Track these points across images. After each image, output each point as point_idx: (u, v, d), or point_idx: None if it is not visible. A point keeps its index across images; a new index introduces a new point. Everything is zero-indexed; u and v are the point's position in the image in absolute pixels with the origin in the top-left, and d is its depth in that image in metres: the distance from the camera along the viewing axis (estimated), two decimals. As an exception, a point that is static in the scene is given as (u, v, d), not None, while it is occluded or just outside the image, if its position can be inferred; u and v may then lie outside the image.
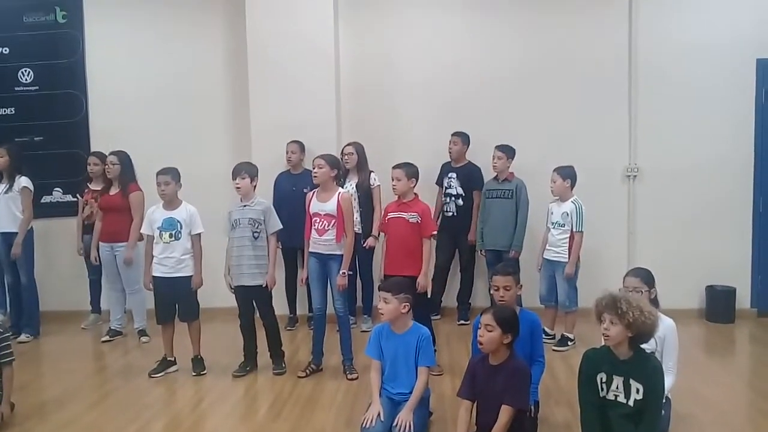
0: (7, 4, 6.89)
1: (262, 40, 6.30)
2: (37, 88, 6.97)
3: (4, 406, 4.11)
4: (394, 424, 3.62)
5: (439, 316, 6.45)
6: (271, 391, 4.72)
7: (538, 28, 6.49)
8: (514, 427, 3.32)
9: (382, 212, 5.30)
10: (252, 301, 5.06)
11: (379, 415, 3.68)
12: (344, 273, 4.84)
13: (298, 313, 6.43)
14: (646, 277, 3.80)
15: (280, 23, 6.27)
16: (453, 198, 6.27)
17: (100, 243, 6.05)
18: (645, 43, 6.37)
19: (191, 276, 5.06)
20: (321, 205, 4.87)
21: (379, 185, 6.08)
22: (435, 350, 4.10)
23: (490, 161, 6.01)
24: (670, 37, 6.36)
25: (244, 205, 4.95)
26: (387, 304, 3.80)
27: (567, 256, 5.44)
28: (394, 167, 4.94)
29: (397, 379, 3.86)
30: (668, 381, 3.42)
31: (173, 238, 5.00)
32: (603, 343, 3.21)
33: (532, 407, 3.68)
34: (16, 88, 6.97)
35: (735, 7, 6.29)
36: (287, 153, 6.18)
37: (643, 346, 3.12)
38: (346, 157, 6.05)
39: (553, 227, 5.56)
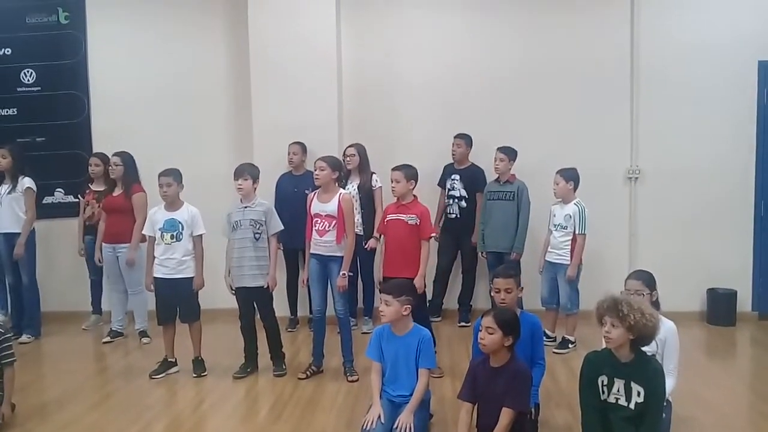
0: (9, 5, 6.90)
1: (264, 41, 6.31)
2: (39, 88, 6.98)
3: (5, 407, 4.11)
4: (395, 426, 3.61)
5: (440, 318, 6.45)
6: (272, 393, 4.72)
7: (539, 28, 6.49)
8: (515, 430, 3.32)
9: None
10: (253, 302, 5.06)
11: (379, 417, 3.67)
12: (344, 274, 4.84)
13: (298, 314, 6.43)
14: (647, 280, 3.79)
15: (282, 24, 6.28)
16: (456, 200, 6.27)
17: (103, 244, 6.06)
18: (646, 44, 6.37)
19: (192, 277, 5.06)
20: (322, 205, 4.87)
21: (380, 186, 6.08)
22: (435, 352, 4.09)
23: (491, 163, 6.01)
24: (672, 39, 6.35)
25: (245, 207, 4.95)
26: (388, 307, 3.80)
27: (569, 258, 5.44)
28: (394, 169, 4.94)
29: (397, 381, 3.86)
30: (669, 384, 3.41)
31: (174, 239, 5.01)
32: (604, 346, 3.21)
33: (533, 410, 3.69)
34: (19, 89, 6.98)
35: (736, 8, 6.29)
36: (289, 154, 6.18)
37: (643, 348, 3.12)
38: (347, 158, 6.06)
39: (555, 229, 5.55)
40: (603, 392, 3.13)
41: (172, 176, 5.01)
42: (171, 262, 5.01)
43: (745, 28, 6.26)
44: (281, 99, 6.29)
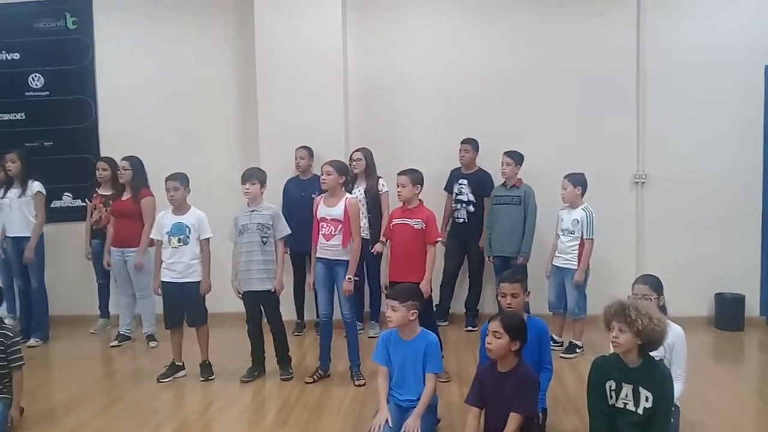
0: (18, 10, 6.95)
1: (270, 45, 6.33)
2: (47, 93, 7.02)
3: (14, 410, 4.13)
4: (402, 430, 3.61)
5: (446, 323, 6.44)
6: (279, 397, 4.73)
7: (545, 33, 6.49)
8: (522, 435, 3.32)
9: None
10: (260, 306, 5.07)
11: (387, 421, 3.67)
12: (350, 278, 4.85)
13: (305, 318, 6.44)
14: (655, 285, 3.78)
15: (288, 28, 6.31)
16: (464, 204, 6.27)
17: (112, 248, 6.07)
18: (653, 48, 6.36)
19: (200, 281, 5.07)
20: (328, 210, 4.88)
21: (387, 191, 6.07)
22: (442, 357, 4.09)
23: (497, 167, 6.01)
24: (678, 43, 6.34)
25: (252, 211, 4.97)
26: (395, 312, 3.80)
27: (576, 263, 5.43)
28: (399, 173, 4.95)
29: (404, 385, 3.86)
30: (677, 389, 3.41)
31: (182, 243, 5.02)
32: (612, 351, 3.21)
33: (540, 415, 3.68)
34: (27, 94, 7.03)
35: (743, 13, 6.27)
36: (296, 159, 6.20)
37: (651, 353, 3.11)
38: (354, 162, 6.06)
39: (563, 234, 5.55)
40: (611, 397, 3.13)
41: (179, 180, 5.02)
42: (178, 266, 5.02)
43: (752, 33, 6.24)
44: (287, 103, 6.31)
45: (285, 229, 5.04)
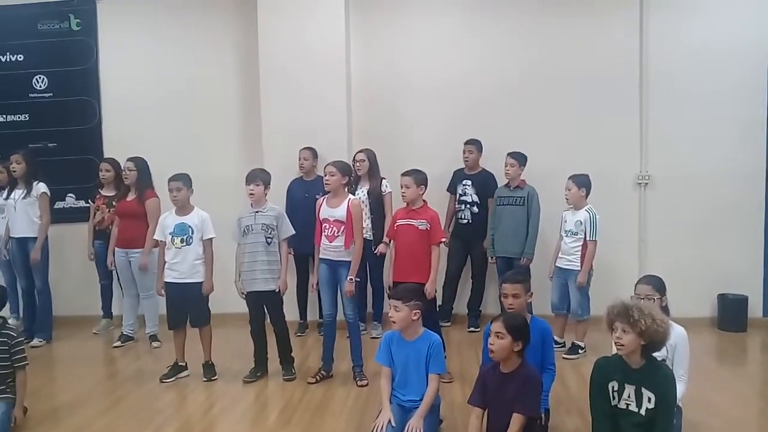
0: (22, 12, 6.97)
1: (273, 46, 6.35)
2: (51, 94, 7.04)
3: (18, 411, 4.14)
4: (405, 431, 3.61)
5: (449, 323, 6.45)
6: (282, 397, 4.73)
7: (548, 35, 6.49)
8: (525, 435, 3.32)
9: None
10: (263, 306, 5.08)
11: (389, 421, 3.67)
12: (352, 279, 4.85)
13: (308, 319, 6.44)
14: (657, 285, 3.78)
15: (292, 30, 6.32)
16: (468, 205, 6.28)
17: (116, 249, 6.09)
18: (656, 49, 6.36)
19: (203, 282, 5.08)
20: (331, 210, 4.89)
21: (390, 192, 6.07)
22: (445, 357, 4.10)
23: (499, 167, 6.02)
24: (681, 44, 6.34)
25: (256, 211, 4.97)
26: (398, 312, 3.80)
27: (579, 264, 5.43)
28: (403, 174, 4.94)
29: (407, 385, 3.86)
30: (679, 389, 3.40)
31: (185, 244, 5.03)
32: (614, 352, 3.21)
33: (543, 415, 3.68)
34: (31, 95, 7.05)
35: (746, 14, 6.27)
36: (300, 160, 6.20)
37: (654, 354, 3.11)
38: (357, 163, 6.08)
39: (566, 235, 5.54)
40: (613, 398, 3.13)
41: (182, 181, 5.03)
42: (182, 266, 5.03)
43: (754, 34, 6.24)
44: (291, 104, 6.32)
45: (289, 230, 5.05)
